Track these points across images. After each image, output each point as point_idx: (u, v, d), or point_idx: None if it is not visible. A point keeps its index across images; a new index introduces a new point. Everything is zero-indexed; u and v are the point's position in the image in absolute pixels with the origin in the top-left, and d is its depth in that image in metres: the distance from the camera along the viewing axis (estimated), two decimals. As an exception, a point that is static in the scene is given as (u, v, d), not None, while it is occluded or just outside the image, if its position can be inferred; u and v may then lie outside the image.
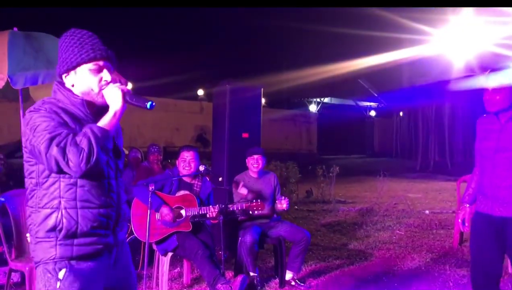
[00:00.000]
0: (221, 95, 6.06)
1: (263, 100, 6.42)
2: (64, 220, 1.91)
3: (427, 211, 8.94)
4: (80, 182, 1.93)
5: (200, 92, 26.86)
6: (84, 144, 1.80)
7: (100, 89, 1.99)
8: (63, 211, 1.91)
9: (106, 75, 2.00)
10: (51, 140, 1.79)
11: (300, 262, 4.58)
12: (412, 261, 5.45)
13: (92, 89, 1.98)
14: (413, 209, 9.19)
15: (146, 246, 3.88)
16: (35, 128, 1.84)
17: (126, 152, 6.79)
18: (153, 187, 3.89)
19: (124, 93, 1.98)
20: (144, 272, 3.99)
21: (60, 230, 1.91)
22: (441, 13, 9.76)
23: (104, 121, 1.92)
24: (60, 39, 2.01)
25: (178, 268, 4.94)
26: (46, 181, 1.91)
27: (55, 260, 1.92)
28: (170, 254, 4.24)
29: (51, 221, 1.91)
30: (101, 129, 1.87)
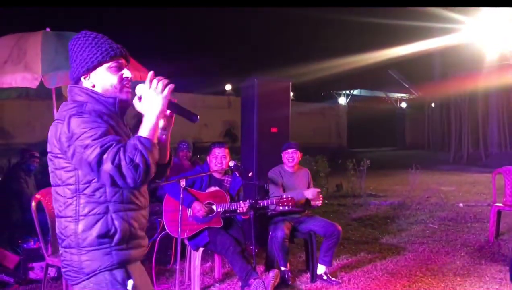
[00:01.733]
0: (249, 90, 6.05)
1: (291, 94, 6.37)
2: (117, 223, 1.86)
3: (461, 204, 8.74)
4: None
5: (228, 87, 26.93)
6: (138, 160, 1.71)
7: (122, 87, 1.97)
8: (113, 215, 1.86)
9: (126, 72, 1.99)
10: (102, 154, 1.71)
11: (332, 256, 4.56)
12: (446, 256, 5.35)
13: (115, 87, 1.95)
14: (446, 202, 9.01)
15: (178, 241, 3.92)
16: (78, 136, 1.75)
17: None
18: (184, 183, 3.92)
19: (170, 101, 1.91)
20: (177, 267, 4.04)
21: (114, 235, 1.86)
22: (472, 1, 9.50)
23: (148, 131, 1.81)
24: (70, 42, 1.98)
25: (210, 263, 4.98)
26: (88, 187, 1.84)
27: (113, 267, 1.87)
28: (201, 249, 4.27)
29: (102, 228, 1.84)
30: (149, 141, 1.77)
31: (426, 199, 9.36)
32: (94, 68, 1.93)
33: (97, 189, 1.84)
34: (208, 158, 4.43)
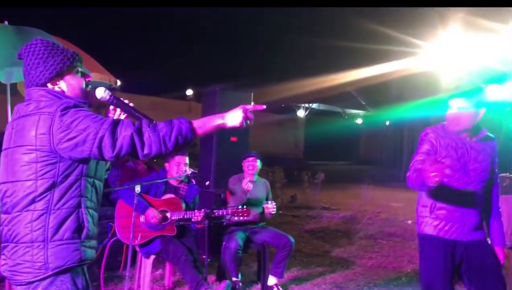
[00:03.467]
0: (211, 98, 6.08)
1: (252, 104, 6.42)
2: (85, 219, 1.90)
3: (409, 221, 9.02)
4: (96, 182, 1.96)
5: (189, 92, 26.76)
6: (164, 131, 1.84)
7: (89, 90, 2.06)
8: (83, 210, 1.90)
9: (89, 75, 2.11)
10: (115, 124, 1.80)
11: (283, 268, 4.61)
12: (393, 271, 5.51)
13: (84, 90, 2.04)
14: (395, 218, 9.29)
15: (129, 248, 3.87)
16: (81, 119, 1.81)
17: None
18: (139, 189, 3.87)
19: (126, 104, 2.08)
20: (127, 273, 3.97)
21: (82, 231, 1.89)
22: (431, 27, 9.93)
23: (201, 126, 1.97)
24: (26, 49, 1.99)
25: (161, 270, 4.92)
26: (65, 181, 1.87)
27: (80, 263, 1.89)
28: (153, 256, 4.23)
29: (74, 222, 1.87)
30: (191, 131, 1.93)
31: (377, 214, 9.61)
32: (62, 74, 1.99)
33: (73, 183, 1.88)
34: (166, 164, 4.39)
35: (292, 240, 4.61)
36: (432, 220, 2.82)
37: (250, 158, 4.84)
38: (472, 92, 2.77)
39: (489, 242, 2.92)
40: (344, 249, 6.58)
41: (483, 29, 9.32)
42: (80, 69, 2.04)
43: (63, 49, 2.01)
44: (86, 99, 2.04)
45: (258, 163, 4.87)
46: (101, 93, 2.07)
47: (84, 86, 2.05)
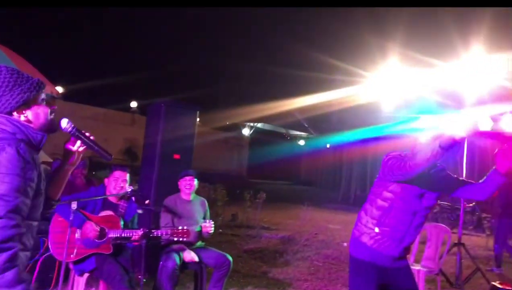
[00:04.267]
0: (156, 113, 6.03)
1: (197, 120, 6.42)
2: None
3: (345, 244, 9.27)
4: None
5: (134, 104, 26.31)
6: None
7: (53, 118, 2.06)
8: None
9: (54, 104, 2.09)
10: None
11: (221, 287, 4.60)
12: (327, 294, 5.65)
13: (50, 119, 2.04)
14: (332, 240, 9.51)
15: (63, 265, 3.75)
16: (3, 175, 1.80)
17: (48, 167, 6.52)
18: (75, 206, 3.77)
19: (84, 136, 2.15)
20: (58, 291, 3.84)
21: None
22: (372, 59, 10.44)
23: None
24: None
25: (94, 289, 4.78)
26: None
27: None
28: (86, 274, 4.11)
29: None
30: None
31: (314, 236, 9.82)
32: (28, 104, 1.98)
33: None
34: (106, 180, 4.31)
35: (230, 259, 4.63)
36: (375, 234, 2.99)
37: (188, 177, 4.82)
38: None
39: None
40: (281, 270, 6.66)
41: (419, 62, 9.90)
42: (44, 97, 2.05)
43: (29, 78, 2.00)
44: (51, 127, 2.05)
45: (196, 182, 4.86)
46: (64, 124, 2.11)
47: (49, 115, 2.05)
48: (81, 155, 2.20)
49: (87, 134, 2.16)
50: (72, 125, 2.13)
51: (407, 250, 3.06)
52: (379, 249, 2.97)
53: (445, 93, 9.73)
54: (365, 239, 3.02)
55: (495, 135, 2.97)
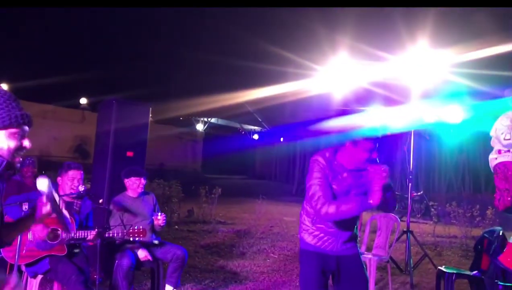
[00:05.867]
0: (107, 111, 5.93)
1: (150, 116, 6.37)
2: None
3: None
4: None
5: (83, 100, 25.58)
6: None
7: (17, 155, 1.94)
8: None
9: (26, 142, 1.95)
10: None
11: (178, 277, 4.62)
12: (283, 285, 5.77)
13: (9, 151, 1.90)
14: (287, 232, 9.68)
15: (15, 268, 3.66)
16: None
17: None
18: (26, 207, 3.69)
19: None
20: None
21: None
22: (323, 52, 10.63)
23: None
24: None
25: (47, 291, 4.69)
26: None
27: None
28: (40, 276, 4.03)
29: None
30: None
31: (270, 229, 9.96)
32: (6, 127, 1.88)
33: None
34: (59, 179, 4.21)
35: (185, 250, 4.66)
36: (312, 230, 3.10)
37: (135, 177, 4.76)
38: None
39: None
40: (237, 264, 6.74)
41: (368, 56, 10.17)
42: (24, 132, 1.93)
43: (15, 107, 1.90)
44: (7, 160, 1.92)
45: (143, 180, 4.81)
46: (42, 185, 2.07)
47: (13, 149, 1.91)
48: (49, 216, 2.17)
49: (57, 200, 2.13)
50: (51, 189, 2.08)
51: (351, 239, 3.15)
52: (320, 246, 3.09)
53: (392, 86, 10.07)
54: (306, 236, 3.14)
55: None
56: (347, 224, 3.08)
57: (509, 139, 4.61)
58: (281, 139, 25.95)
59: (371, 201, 2.75)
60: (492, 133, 4.91)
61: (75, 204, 4.22)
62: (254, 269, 6.49)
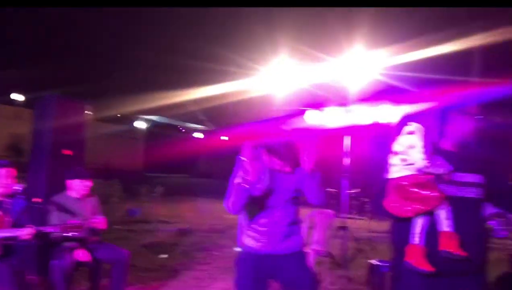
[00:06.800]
0: (44, 108, 5.76)
1: (89, 114, 6.24)
2: None
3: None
4: None
5: (16, 96, 24.44)
6: None
7: None
8: None
9: None
10: None
11: (124, 282, 4.58)
12: (223, 282, 5.86)
13: None
14: (228, 230, 9.77)
15: None
16: None
17: None
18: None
19: None
20: None
21: None
22: (264, 53, 10.84)
23: None
24: None
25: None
26: None
27: None
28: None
29: None
30: None
31: (212, 227, 10.02)
32: None
33: None
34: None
35: (126, 253, 4.63)
36: (247, 231, 3.06)
37: (79, 179, 4.68)
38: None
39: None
40: (179, 262, 6.76)
41: (308, 57, 10.48)
42: None
43: None
44: None
45: (88, 182, 4.74)
46: None
47: None
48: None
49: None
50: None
51: (288, 238, 3.04)
52: (254, 246, 3.00)
53: (331, 87, 10.41)
54: (242, 237, 3.10)
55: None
56: (280, 222, 2.99)
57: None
58: (226, 138, 26.04)
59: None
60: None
61: (4, 202, 4.09)
62: (195, 267, 6.55)
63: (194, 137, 31.39)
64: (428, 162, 2.39)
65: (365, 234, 9.93)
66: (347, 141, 7.65)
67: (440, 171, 2.42)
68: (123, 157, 25.47)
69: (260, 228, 3.01)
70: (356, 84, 9.72)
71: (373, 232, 10.07)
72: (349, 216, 11.01)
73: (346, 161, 7.51)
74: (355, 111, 8.42)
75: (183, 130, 31.00)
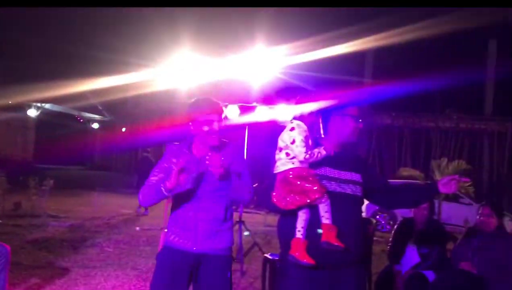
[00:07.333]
0: None
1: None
2: None
3: (137, 228, 9.39)
4: None
5: None
6: None
7: None
8: None
9: None
10: None
11: (4, 280, 4.28)
12: (116, 279, 5.70)
13: None
14: (124, 225, 9.55)
15: None
16: None
17: None
18: None
19: None
20: None
21: None
22: (166, 46, 10.73)
23: None
24: None
25: None
26: None
27: None
28: None
29: None
30: None
31: (106, 222, 9.71)
32: None
33: None
34: None
35: (8, 247, 4.33)
36: (171, 225, 2.90)
37: None
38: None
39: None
40: (68, 259, 6.47)
41: (210, 52, 10.54)
42: None
43: None
44: None
45: None
46: None
47: None
48: None
49: None
50: None
51: (215, 235, 2.87)
52: (177, 242, 2.85)
53: (233, 83, 10.55)
54: (167, 233, 2.92)
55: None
56: (207, 218, 2.83)
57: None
58: (123, 129, 25.24)
59: (166, 185, 2.66)
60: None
61: None
62: (86, 264, 6.30)
63: (92, 128, 30.06)
64: (308, 154, 2.51)
65: (261, 228, 10.21)
66: (246, 136, 7.81)
67: (319, 157, 2.54)
68: (11, 147, 23.66)
69: (183, 223, 2.85)
70: (258, 81, 9.97)
71: (269, 226, 10.38)
72: (246, 210, 11.25)
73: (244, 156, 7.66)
74: (255, 108, 8.63)
75: (81, 120, 29.54)
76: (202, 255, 2.82)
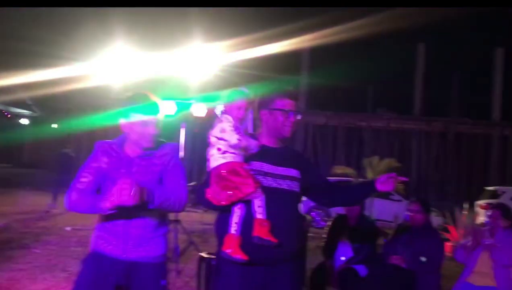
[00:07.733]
0: None
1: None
2: None
3: (68, 228, 9.02)
4: None
5: None
6: None
7: None
8: None
9: None
10: None
11: None
12: (43, 282, 5.43)
13: None
14: (54, 225, 9.16)
15: None
16: None
17: None
18: None
19: None
20: None
21: None
22: (100, 41, 10.42)
23: None
24: None
25: None
26: None
27: None
28: None
29: None
30: None
31: (34, 222, 9.26)
32: None
33: None
34: None
35: None
36: (102, 233, 2.61)
37: None
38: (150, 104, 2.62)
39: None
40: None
41: (145, 48, 10.34)
42: None
43: None
44: None
45: None
46: None
47: None
48: None
49: None
50: None
51: (147, 243, 2.61)
52: (103, 247, 2.59)
53: (170, 80, 10.41)
54: (94, 238, 2.65)
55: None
56: (138, 224, 2.57)
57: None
58: (55, 125, 24.23)
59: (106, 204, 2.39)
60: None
61: None
62: (11, 267, 5.94)
63: (20, 124, 28.62)
64: (240, 137, 2.50)
65: (198, 227, 10.13)
66: (182, 134, 7.72)
67: (251, 144, 2.54)
68: None
69: (112, 228, 2.57)
70: (196, 78, 9.89)
71: (206, 224, 10.31)
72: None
73: (181, 153, 7.57)
74: (192, 104, 8.53)
75: (9, 115, 28.02)
76: (133, 263, 2.56)
